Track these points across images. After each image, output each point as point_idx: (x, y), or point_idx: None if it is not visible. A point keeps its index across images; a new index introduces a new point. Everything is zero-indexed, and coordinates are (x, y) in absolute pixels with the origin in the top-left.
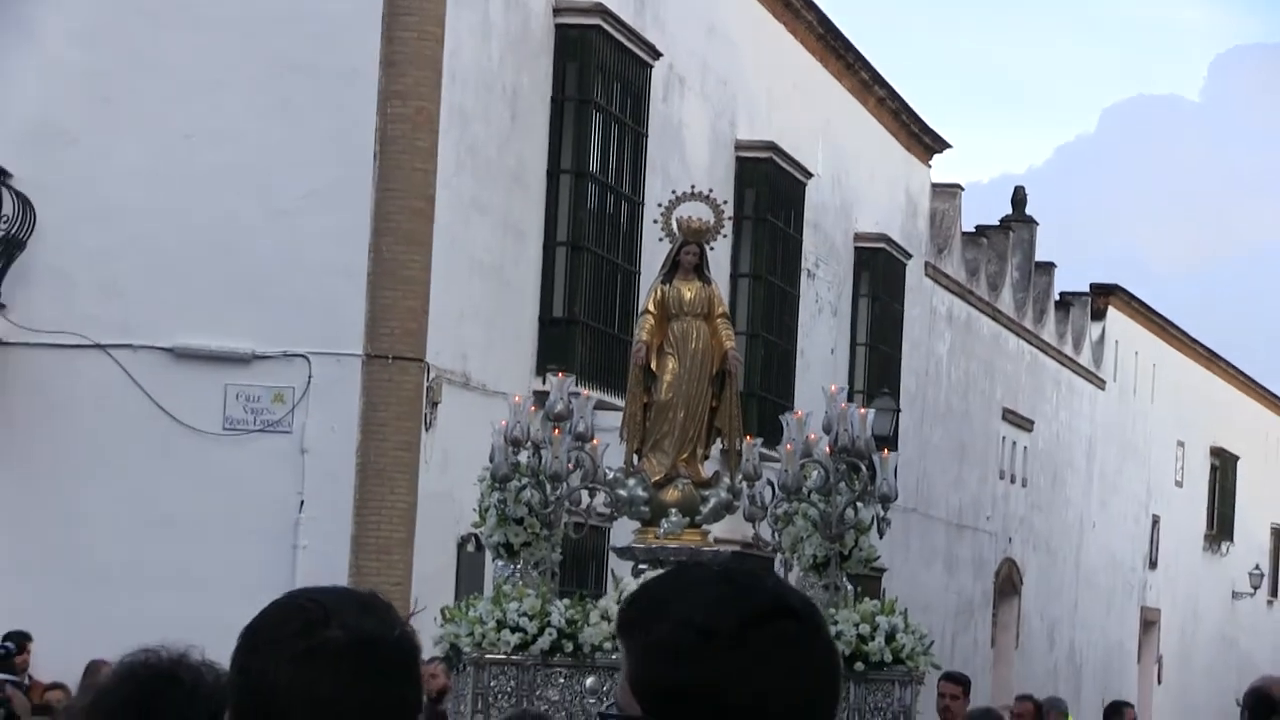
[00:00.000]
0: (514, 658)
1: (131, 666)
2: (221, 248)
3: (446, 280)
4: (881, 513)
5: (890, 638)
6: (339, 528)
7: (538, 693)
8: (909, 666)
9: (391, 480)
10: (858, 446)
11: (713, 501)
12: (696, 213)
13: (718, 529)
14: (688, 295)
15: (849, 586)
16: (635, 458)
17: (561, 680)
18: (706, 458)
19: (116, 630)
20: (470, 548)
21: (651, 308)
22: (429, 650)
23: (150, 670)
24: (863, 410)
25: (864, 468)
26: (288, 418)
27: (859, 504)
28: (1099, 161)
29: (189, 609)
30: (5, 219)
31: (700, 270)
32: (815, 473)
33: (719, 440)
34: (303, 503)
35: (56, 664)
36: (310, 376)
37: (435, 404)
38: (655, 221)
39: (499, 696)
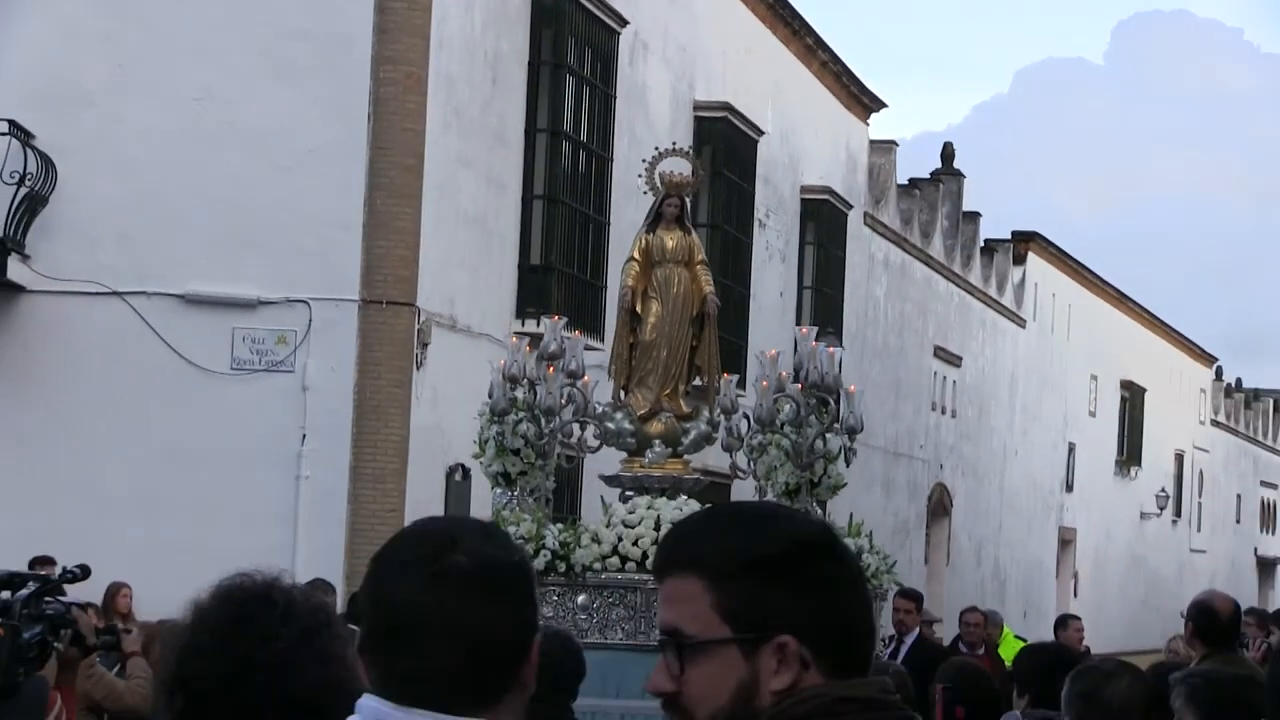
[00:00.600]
0: None
1: (229, 588)
2: (228, 202)
3: (435, 231)
4: (848, 443)
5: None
6: (338, 459)
7: None
8: (873, 585)
9: (386, 415)
10: (827, 382)
11: (693, 433)
12: (676, 168)
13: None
14: (670, 244)
15: (819, 511)
16: (622, 393)
17: (555, 598)
18: (688, 393)
19: (133, 555)
20: (458, 476)
21: (636, 255)
22: None
23: (246, 592)
24: (832, 349)
25: (832, 401)
26: (290, 358)
27: (828, 435)
28: (1014, 119)
29: (199, 535)
30: (30, 176)
31: (681, 220)
32: (788, 406)
33: (698, 377)
34: (305, 436)
35: (78, 586)
36: (311, 320)
37: (425, 345)
38: (640, 176)
39: None
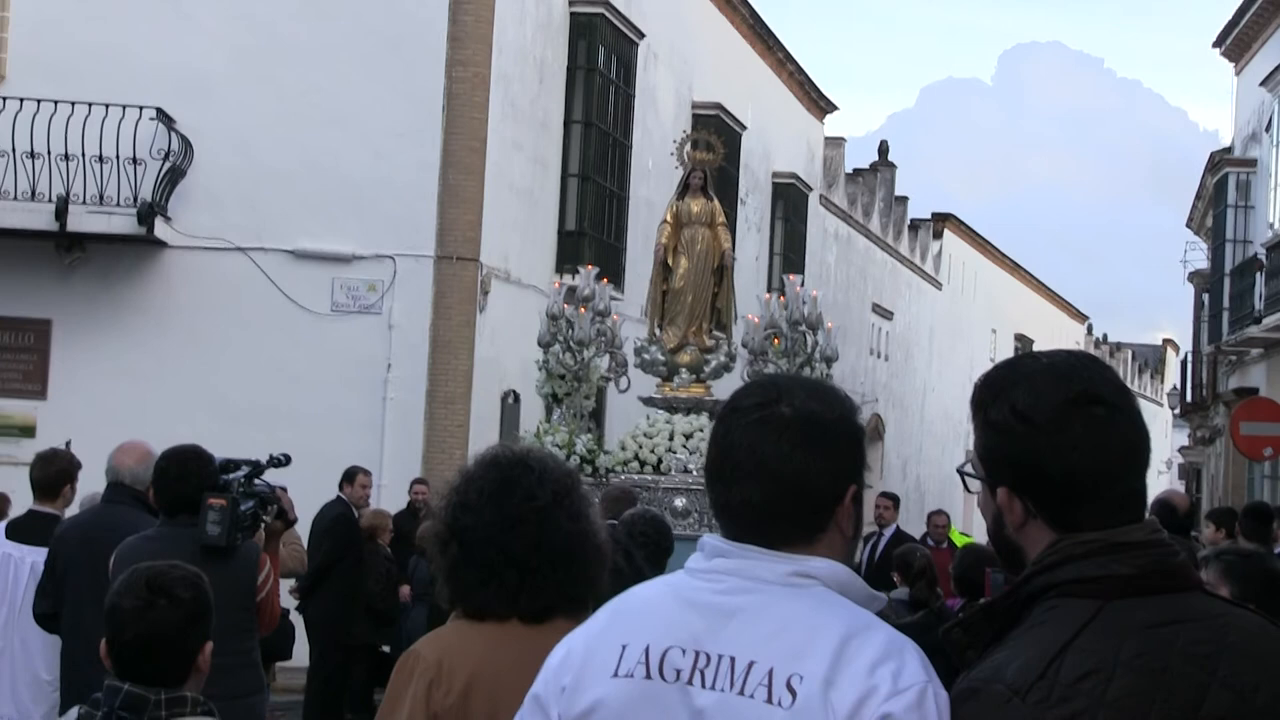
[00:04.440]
0: None
1: (495, 455)
2: (331, 175)
3: (493, 201)
4: (826, 370)
5: None
6: (416, 384)
7: None
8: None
9: (455, 349)
10: (810, 319)
11: (714, 363)
12: (700, 149)
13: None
14: (695, 209)
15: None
16: (656, 330)
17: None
18: (709, 331)
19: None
20: (510, 400)
21: (668, 218)
22: None
23: (509, 460)
24: (815, 292)
25: (811, 334)
26: (379, 302)
27: (812, 363)
28: (921, 126)
29: (305, 441)
30: (173, 153)
31: (705, 189)
32: (780, 339)
33: (718, 317)
34: (390, 366)
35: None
36: (395, 272)
37: (486, 293)
38: (671, 154)
39: None
